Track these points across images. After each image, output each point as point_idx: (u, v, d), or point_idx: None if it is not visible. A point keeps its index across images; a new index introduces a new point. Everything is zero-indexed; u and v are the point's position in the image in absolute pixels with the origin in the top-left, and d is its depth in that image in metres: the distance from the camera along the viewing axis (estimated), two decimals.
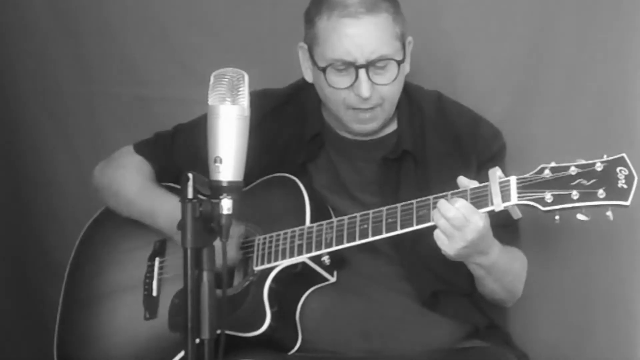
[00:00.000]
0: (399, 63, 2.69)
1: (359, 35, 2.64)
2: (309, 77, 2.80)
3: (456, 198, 2.45)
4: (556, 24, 3.15)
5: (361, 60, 2.65)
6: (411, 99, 2.83)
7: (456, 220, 2.44)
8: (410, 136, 2.79)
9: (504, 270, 2.66)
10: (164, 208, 2.80)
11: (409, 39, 2.75)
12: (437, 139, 2.80)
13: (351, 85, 2.68)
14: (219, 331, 2.24)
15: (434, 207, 2.48)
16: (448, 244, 2.47)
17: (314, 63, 2.72)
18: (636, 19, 3.09)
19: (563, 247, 3.14)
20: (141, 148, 2.99)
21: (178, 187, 2.77)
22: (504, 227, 2.57)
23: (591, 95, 3.12)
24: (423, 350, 2.70)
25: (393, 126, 2.83)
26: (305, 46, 2.75)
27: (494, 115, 2.92)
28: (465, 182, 2.49)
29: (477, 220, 2.45)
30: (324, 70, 2.68)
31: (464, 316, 2.77)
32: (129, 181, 2.92)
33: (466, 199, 2.46)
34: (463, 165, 2.70)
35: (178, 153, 2.94)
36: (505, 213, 2.44)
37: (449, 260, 2.57)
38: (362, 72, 2.65)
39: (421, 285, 2.73)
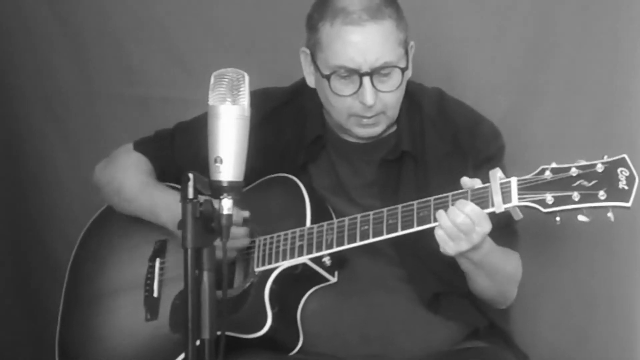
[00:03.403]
0: (403, 70, 2.68)
1: (362, 42, 2.62)
2: (311, 82, 2.78)
3: (466, 201, 2.44)
4: (556, 24, 3.16)
5: (365, 68, 2.63)
6: (411, 98, 2.81)
7: (464, 226, 2.43)
8: (409, 136, 2.78)
9: (494, 267, 2.63)
10: (165, 203, 2.79)
11: (411, 43, 2.73)
12: (437, 139, 2.78)
13: (355, 93, 2.66)
14: (219, 332, 2.24)
15: (435, 209, 2.48)
16: (453, 246, 2.47)
17: (317, 69, 2.71)
18: (636, 19, 3.09)
19: (564, 248, 3.15)
20: (141, 146, 2.98)
21: (178, 186, 2.79)
22: (501, 229, 2.56)
23: (591, 96, 3.13)
24: (423, 353, 2.69)
25: (393, 127, 2.81)
26: (308, 51, 2.73)
27: (494, 116, 2.91)
28: (469, 183, 2.48)
29: (486, 225, 2.44)
30: (328, 77, 2.67)
31: (464, 317, 2.76)
32: (130, 178, 2.91)
33: (467, 200, 2.45)
34: (462, 165, 2.68)
35: (178, 151, 2.92)
36: (504, 215, 2.44)
37: (449, 261, 2.56)
38: (366, 79, 2.63)
39: (423, 286, 2.72)
